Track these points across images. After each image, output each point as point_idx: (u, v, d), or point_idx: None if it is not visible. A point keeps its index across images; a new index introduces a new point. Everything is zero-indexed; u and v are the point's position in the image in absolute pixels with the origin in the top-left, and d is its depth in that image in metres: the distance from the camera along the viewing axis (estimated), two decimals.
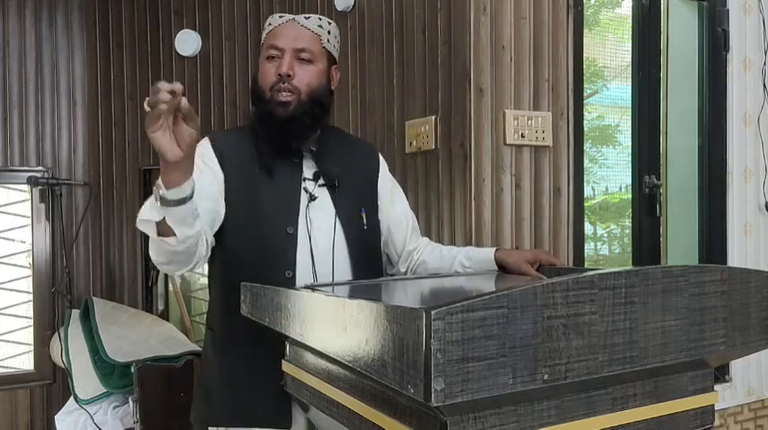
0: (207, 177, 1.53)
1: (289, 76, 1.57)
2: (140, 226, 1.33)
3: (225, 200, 1.57)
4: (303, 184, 1.61)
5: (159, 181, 1.26)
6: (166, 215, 1.28)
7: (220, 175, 1.57)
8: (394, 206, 1.77)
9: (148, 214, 1.30)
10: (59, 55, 3.49)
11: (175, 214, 1.28)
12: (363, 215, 1.65)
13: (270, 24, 1.63)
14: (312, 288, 1.22)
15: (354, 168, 1.69)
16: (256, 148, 1.61)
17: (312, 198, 1.60)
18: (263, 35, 1.65)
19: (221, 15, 3.33)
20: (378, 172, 1.76)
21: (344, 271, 1.60)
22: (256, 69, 1.65)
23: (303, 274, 1.54)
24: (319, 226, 1.59)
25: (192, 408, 1.73)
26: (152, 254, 1.40)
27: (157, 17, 3.43)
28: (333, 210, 1.61)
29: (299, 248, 1.55)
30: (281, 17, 1.63)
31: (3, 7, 3.40)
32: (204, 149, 1.59)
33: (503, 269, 1.61)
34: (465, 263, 1.68)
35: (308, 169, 1.63)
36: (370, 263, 1.68)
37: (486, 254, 1.65)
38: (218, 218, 1.56)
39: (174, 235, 1.31)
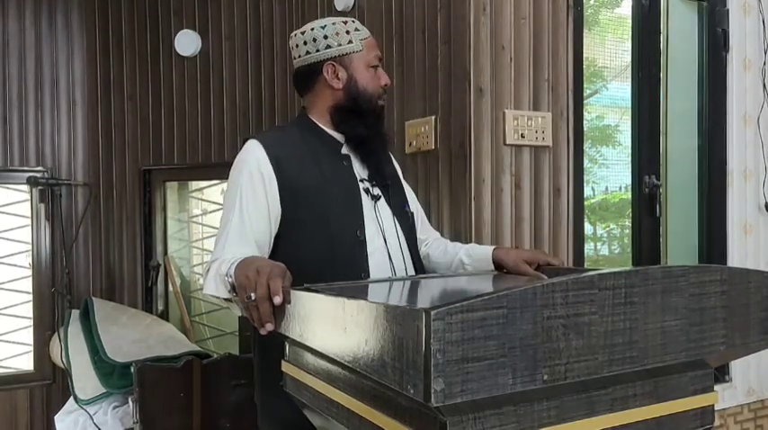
0: (258, 208, 1.53)
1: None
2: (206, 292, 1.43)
3: (284, 208, 1.55)
4: (362, 185, 1.64)
5: (233, 274, 1.29)
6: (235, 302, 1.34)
7: (274, 187, 1.55)
8: (410, 197, 1.84)
9: (215, 290, 1.38)
10: (59, 55, 3.49)
11: None
12: (408, 210, 1.75)
13: (359, 30, 1.67)
14: (310, 288, 1.22)
15: (386, 166, 1.75)
16: (311, 152, 1.61)
17: (377, 198, 1.65)
18: (357, 41, 1.65)
19: (221, 15, 3.33)
20: (396, 167, 1.84)
21: (409, 266, 1.66)
22: (349, 75, 1.63)
23: (380, 274, 1.58)
24: (385, 226, 1.64)
25: (263, 413, 1.63)
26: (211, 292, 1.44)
27: (157, 17, 3.43)
28: (389, 209, 1.67)
29: (369, 249, 1.59)
30: (362, 26, 1.70)
31: (3, 7, 3.40)
32: (258, 157, 1.55)
33: (500, 268, 1.63)
34: (465, 260, 1.71)
35: (359, 170, 1.66)
36: (417, 254, 1.74)
37: (485, 252, 1.67)
38: (271, 239, 1.57)
39: None
